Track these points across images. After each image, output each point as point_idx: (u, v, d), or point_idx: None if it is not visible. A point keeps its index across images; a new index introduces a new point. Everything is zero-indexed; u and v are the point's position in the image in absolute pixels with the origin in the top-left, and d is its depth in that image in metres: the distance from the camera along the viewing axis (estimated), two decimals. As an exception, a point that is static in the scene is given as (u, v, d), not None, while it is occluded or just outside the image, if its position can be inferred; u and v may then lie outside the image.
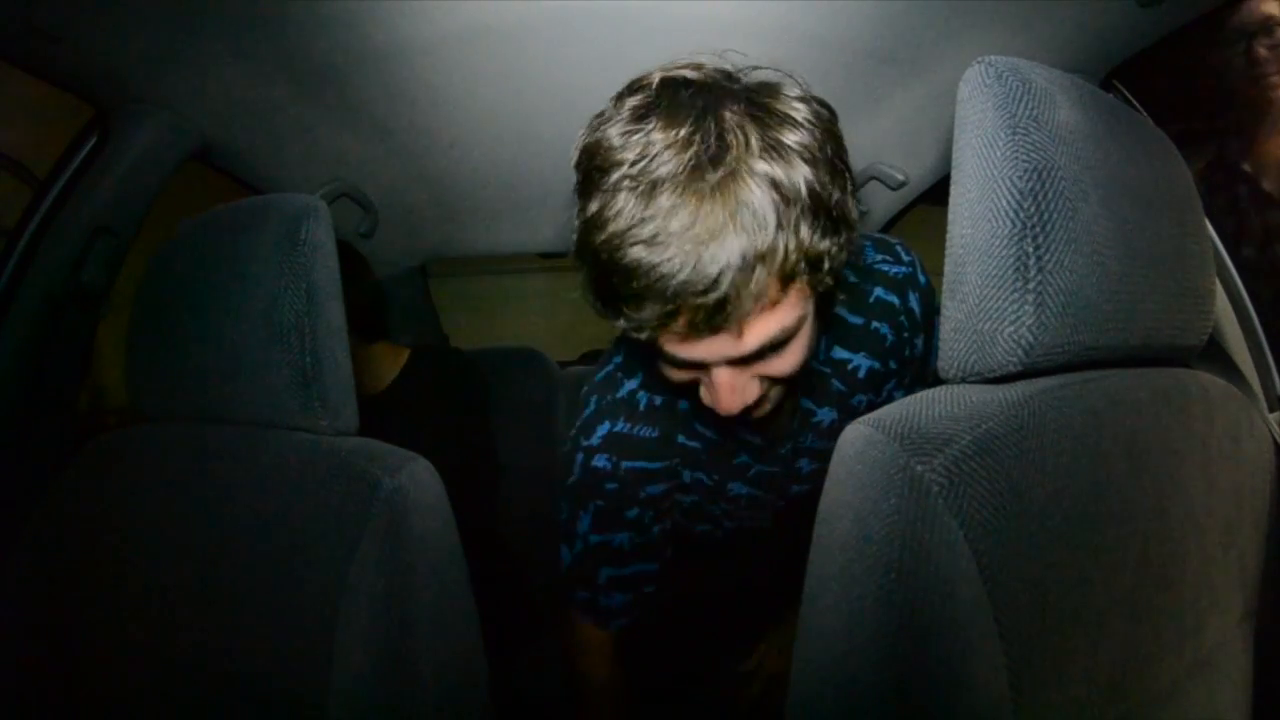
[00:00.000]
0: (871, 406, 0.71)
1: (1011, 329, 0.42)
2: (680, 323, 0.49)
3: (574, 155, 0.52)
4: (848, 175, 0.52)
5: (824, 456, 0.67)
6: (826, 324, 0.71)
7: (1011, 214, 0.41)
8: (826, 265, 0.51)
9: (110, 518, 0.60)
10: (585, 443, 0.73)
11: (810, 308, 0.55)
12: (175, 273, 0.63)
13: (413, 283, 1.70)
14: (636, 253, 0.47)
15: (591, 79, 1.08)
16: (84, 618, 0.59)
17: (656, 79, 0.51)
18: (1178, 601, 0.46)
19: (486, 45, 0.96)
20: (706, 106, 0.48)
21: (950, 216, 0.45)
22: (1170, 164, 0.52)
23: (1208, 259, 0.54)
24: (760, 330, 0.51)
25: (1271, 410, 0.82)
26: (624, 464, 0.72)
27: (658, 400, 0.72)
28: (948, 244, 0.45)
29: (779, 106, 0.49)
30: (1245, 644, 0.54)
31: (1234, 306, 0.84)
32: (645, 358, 0.67)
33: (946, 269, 0.45)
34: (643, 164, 0.47)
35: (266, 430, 0.57)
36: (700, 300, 0.47)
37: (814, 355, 0.64)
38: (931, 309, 0.75)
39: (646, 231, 0.46)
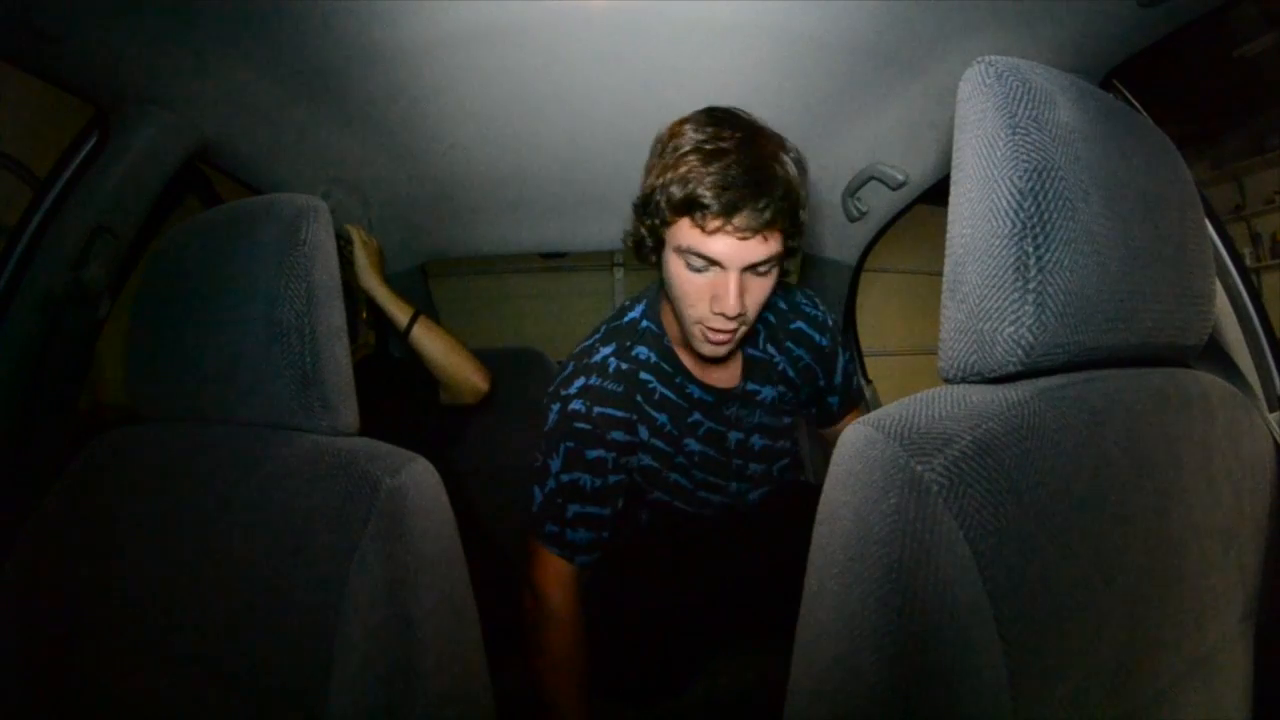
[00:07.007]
0: (785, 399, 1.01)
1: (1011, 329, 0.42)
2: (736, 220, 0.72)
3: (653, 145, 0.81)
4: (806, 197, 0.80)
5: (770, 433, 1.03)
6: (767, 321, 0.98)
7: (1011, 214, 0.41)
8: (795, 230, 0.78)
9: (110, 517, 0.60)
10: (564, 393, 0.90)
11: (777, 267, 0.79)
12: (175, 273, 0.63)
13: (413, 283, 1.70)
14: (715, 169, 0.72)
15: (591, 79, 1.08)
16: (84, 617, 0.59)
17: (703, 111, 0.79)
18: (1178, 601, 0.46)
19: (486, 45, 0.96)
20: (743, 125, 0.77)
21: (950, 216, 0.45)
22: (1170, 164, 0.52)
23: (1208, 259, 0.54)
24: (764, 248, 0.75)
25: (1271, 410, 0.81)
26: (595, 409, 0.89)
27: (624, 366, 0.92)
28: (948, 244, 0.45)
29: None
30: (1245, 644, 0.54)
31: (1234, 306, 0.84)
32: (619, 333, 0.94)
33: (946, 269, 0.45)
34: (710, 139, 0.74)
35: (266, 430, 0.57)
36: (753, 205, 0.72)
37: (761, 335, 0.97)
38: (836, 344, 1.04)
39: (721, 160, 0.72)
